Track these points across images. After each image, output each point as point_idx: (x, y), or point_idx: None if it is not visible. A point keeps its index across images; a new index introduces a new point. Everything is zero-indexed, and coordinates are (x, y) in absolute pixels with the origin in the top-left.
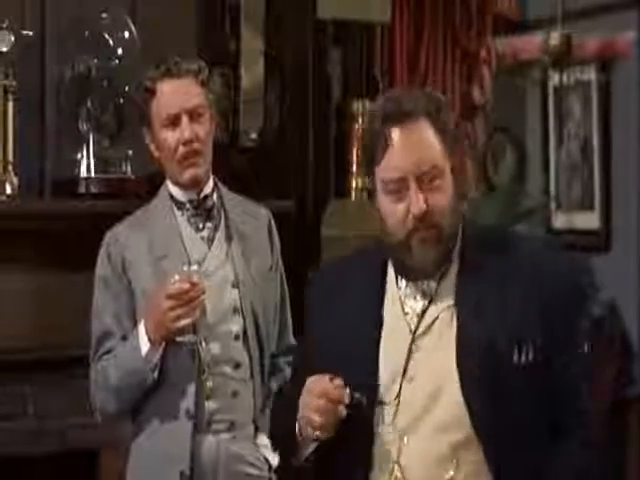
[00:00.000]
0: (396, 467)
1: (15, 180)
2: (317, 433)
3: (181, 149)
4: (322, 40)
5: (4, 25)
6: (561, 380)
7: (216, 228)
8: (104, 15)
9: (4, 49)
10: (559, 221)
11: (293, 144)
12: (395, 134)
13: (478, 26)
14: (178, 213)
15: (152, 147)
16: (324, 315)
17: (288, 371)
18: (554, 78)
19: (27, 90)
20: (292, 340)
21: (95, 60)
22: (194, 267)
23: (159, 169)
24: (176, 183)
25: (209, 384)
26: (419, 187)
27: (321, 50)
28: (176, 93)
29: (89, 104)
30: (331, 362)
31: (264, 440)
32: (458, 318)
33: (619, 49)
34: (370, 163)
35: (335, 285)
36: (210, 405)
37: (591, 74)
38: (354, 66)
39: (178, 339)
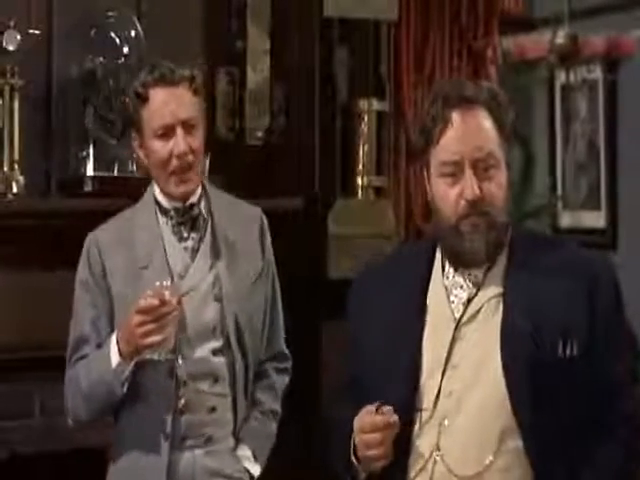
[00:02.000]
0: (435, 451)
1: (21, 179)
2: (381, 463)
3: (174, 162)
4: (328, 39)
5: (11, 24)
6: (601, 377)
7: (201, 239)
8: (110, 14)
9: (11, 48)
10: (565, 220)
11: (299, 143)
12: (455, 116)
13: (484, 25)
14: (162, 220)
15: (140, 153)
16: (369, 308)
17: (275, 377)
18: (560, 77)
19: (34, 89)
20: (283, 346)
21: (101, 59)
22: (166, 282)
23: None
24: (164, 192)
25: (183, 401)
26: (474, 173)
27: (327, 49)
28: (170, 102)
29: (95, 103)
30: (377, 352)
31: (245, 451)
32: (504, 307)
33: (626, 48)
34: (425, 145)
35: (382, 278)
36: (186, 420)
37: (598, 73)
38: (360, 65)
39: (148, 356)
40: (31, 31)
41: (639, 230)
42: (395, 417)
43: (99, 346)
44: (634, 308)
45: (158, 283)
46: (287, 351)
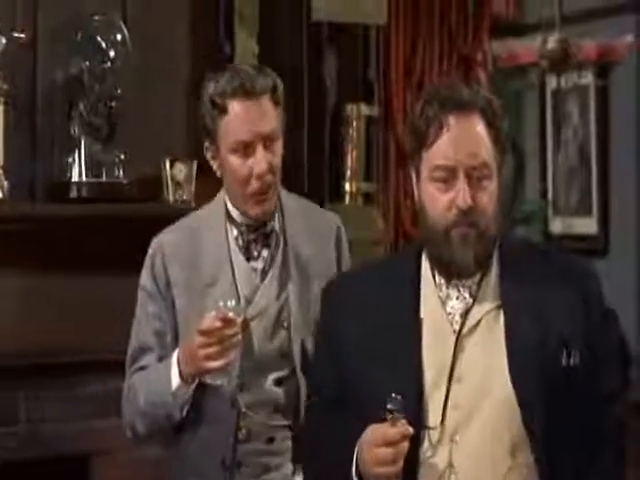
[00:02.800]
0: (449, 468)
1: (6, 184)
2: None
3: (254, 183)
4: (317, 43)
5: None
6: (597, 384)
7: (273, 258)
8: (96, 18)
9: None
10: (557, 226)
11: (287, 148)
12: (452, 120)
13: (474, 29)
14: (232, 234)
15: (214, 164)
16: (353, 320)
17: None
18: (552, 82)
19: (19, 93)
20: None
21: (87, 63)
22: (230, 302)
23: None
24: (238, 208)
25: (245, 431)
26: (467, 182)
27: (316, 53)
28: (250, 117)
29: (81, 107)
30: (372, 368)
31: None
32: (505, 318)
33: (617, 53)
34: (417, 146)
35: (363, 289)
36: (244, 449)
37: (589, 78)
38: (349, 69)
39: (209, 380)
40: (16, 34)
41: (630, 236)
42: (411, 429)
43: (161, 359)
44: (625, 313)
45: (222, 303)
46: None
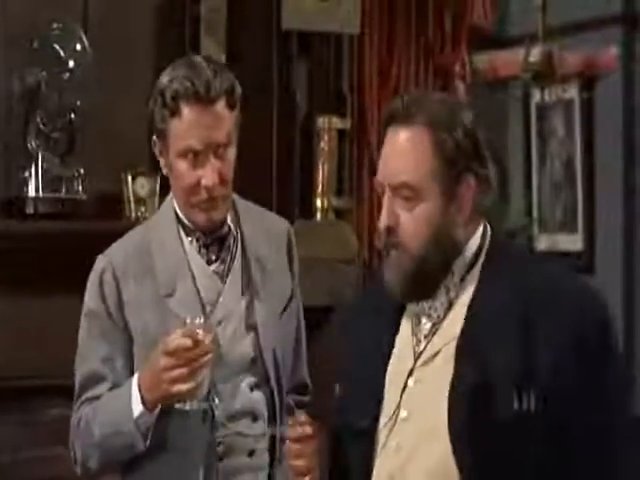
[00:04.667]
0: None
1: None
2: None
3: (203, 194)
4: (287, 52)
5: None
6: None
7: (232, 259)
8: (55, 25)
9: None
10: (542, 243)
11: (256, 161)
12: (390, 134)
13: (452, 39)
14: (186, 239)
15: (161, 162)
16: (350, 345)
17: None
18: (536, 96)
19: None
20: (305, 375)
21: (44, 73)
22: (199, 319)
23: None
24: (185, 215)
25: (222, 447)
26: (391, 199)
27: (286, 63)
28: (203, 124)
29: (38, 119)
30: (347, 395)
31: None
32: (456, 354)
33: (602, 66)
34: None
35: (363, 311)
36: (223, 468)
37: (573, 92)
38: (321, 80)
39: (178, 406)
40: None
41: (617, 253)
42: (309, 429)
43: (115, 386)
44: None
45: (189, 320)
46: (309, 381)
